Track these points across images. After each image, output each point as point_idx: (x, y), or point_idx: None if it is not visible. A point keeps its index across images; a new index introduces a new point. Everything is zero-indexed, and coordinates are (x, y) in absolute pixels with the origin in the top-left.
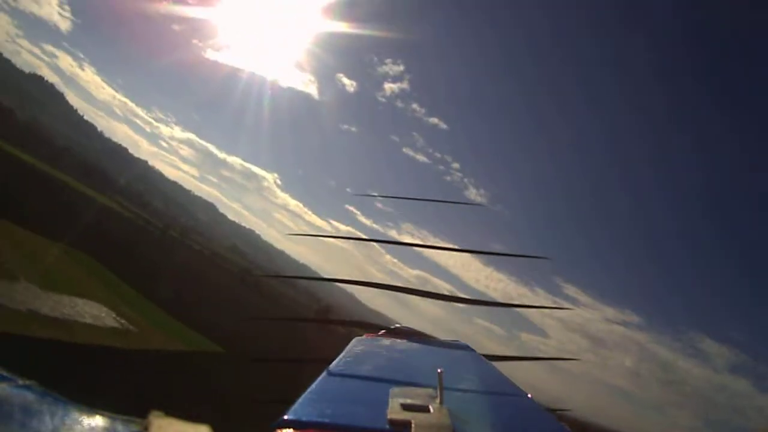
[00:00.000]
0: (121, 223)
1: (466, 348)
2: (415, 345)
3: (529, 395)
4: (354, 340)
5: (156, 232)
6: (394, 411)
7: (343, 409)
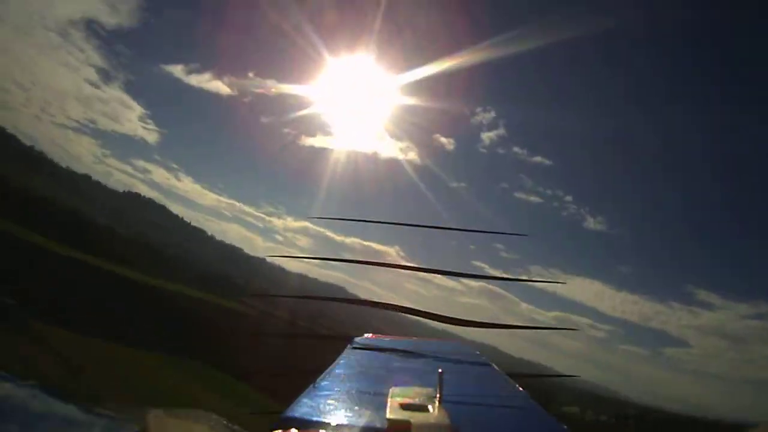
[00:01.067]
0: (243, 323)
1: (465, 347)
2: (414, 344)
3: (528, 393)
4: (354, 340)
5: (281, 325)
6: (394, 411)
7: (343, 409)
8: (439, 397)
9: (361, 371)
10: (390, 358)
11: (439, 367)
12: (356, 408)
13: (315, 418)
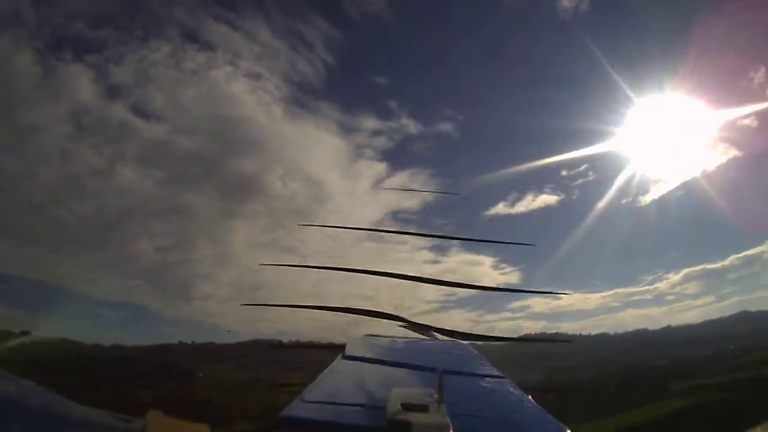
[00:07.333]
0: None
1: (465, 348)
2: (415, 345)
3: (529, 396)
4: (354, 340)
5: None
6: (394, 411)
7: (343, 408)
8: (439, 398)
9: (361, 371)
10: (390, 358)
11: (439, 367)
12: (356, 408)
13: (315, 418)
